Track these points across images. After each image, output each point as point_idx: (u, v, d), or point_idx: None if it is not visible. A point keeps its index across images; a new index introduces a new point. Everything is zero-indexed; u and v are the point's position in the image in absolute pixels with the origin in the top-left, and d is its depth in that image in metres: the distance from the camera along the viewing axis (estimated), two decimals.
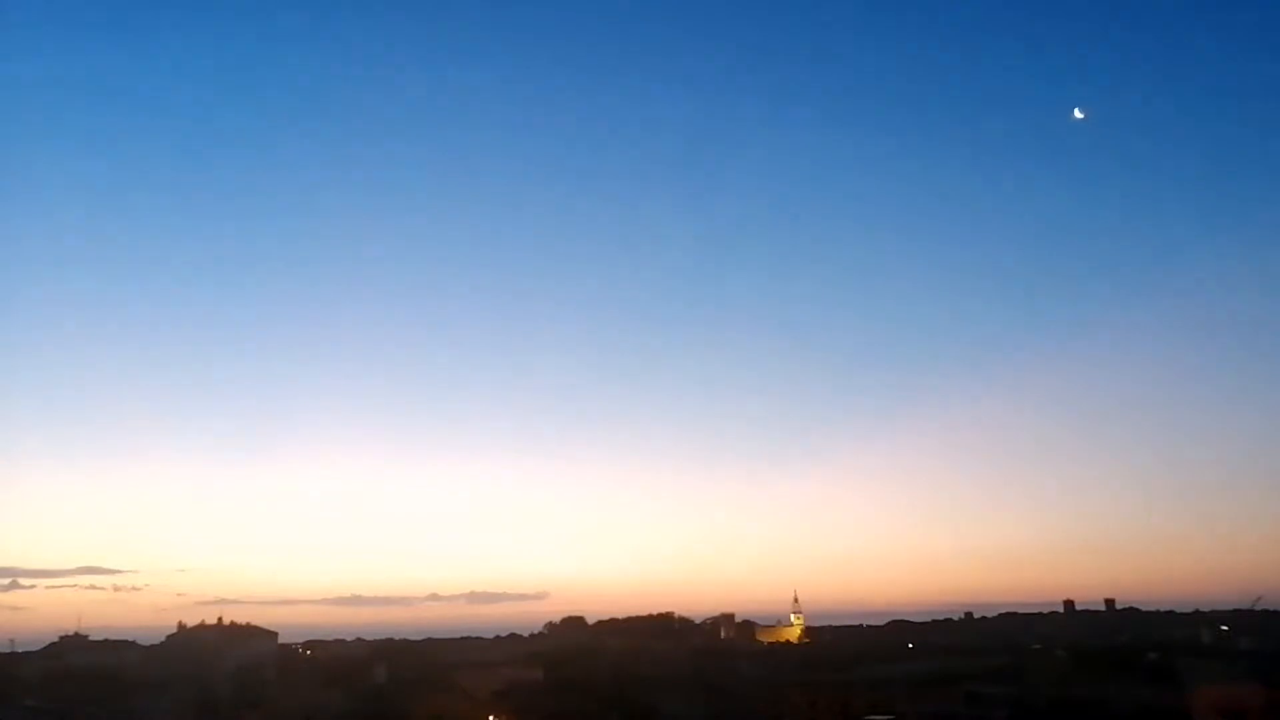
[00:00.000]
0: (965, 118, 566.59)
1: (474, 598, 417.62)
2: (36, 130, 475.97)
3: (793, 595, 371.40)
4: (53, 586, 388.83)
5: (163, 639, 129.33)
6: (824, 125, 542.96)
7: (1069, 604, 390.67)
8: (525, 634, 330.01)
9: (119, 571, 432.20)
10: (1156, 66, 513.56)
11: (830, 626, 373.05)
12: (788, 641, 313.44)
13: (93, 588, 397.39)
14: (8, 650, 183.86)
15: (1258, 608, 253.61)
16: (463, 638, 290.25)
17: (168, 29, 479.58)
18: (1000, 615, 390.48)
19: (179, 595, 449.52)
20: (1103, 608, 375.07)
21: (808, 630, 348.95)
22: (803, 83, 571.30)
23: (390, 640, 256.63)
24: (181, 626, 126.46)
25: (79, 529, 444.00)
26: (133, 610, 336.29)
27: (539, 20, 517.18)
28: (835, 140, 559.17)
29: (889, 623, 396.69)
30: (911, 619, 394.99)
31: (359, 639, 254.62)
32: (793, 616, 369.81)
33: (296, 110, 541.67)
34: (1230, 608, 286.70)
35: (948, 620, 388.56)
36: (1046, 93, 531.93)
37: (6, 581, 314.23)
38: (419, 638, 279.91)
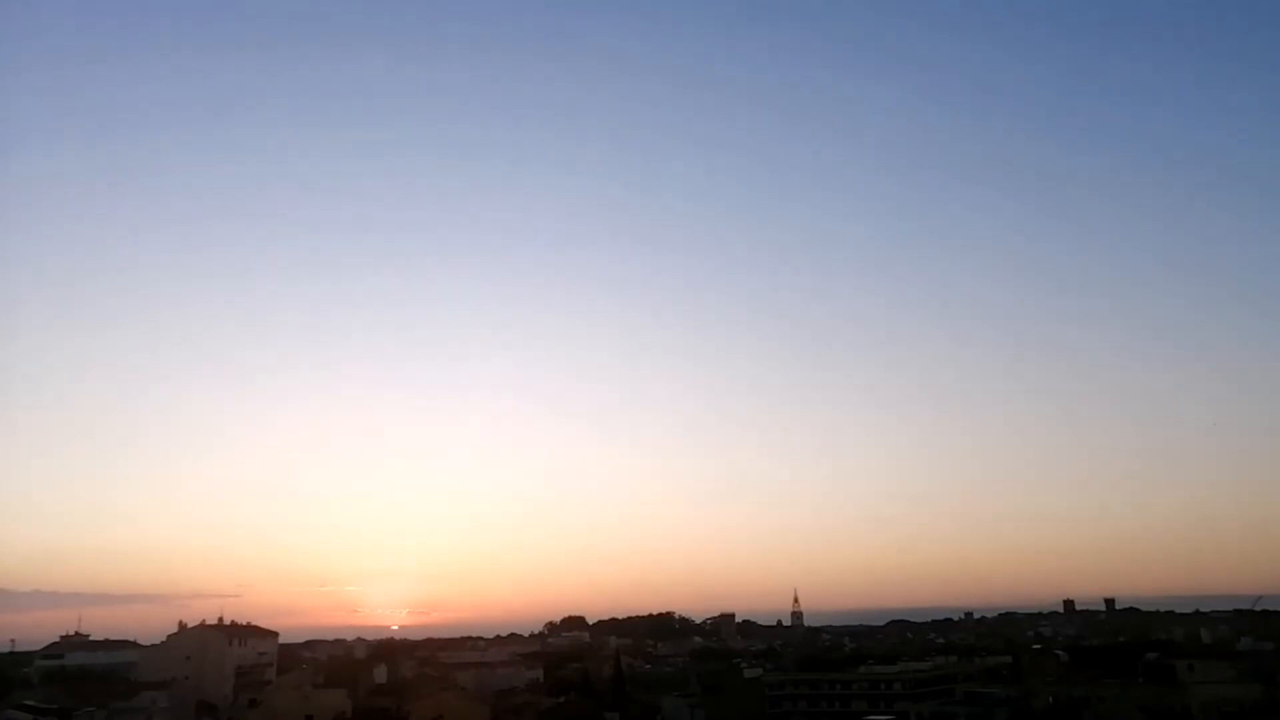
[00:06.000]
0: None
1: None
2: (38, 127, 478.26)
3: (793, 595, 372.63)
4: None
5: (163, 639, 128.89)
6: None
7: (1069, 604, 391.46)
8: (525, 634, 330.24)
9: None
10: None
11: (830, 626, 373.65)
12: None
13: None
14: (8, 650, 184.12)
15: (1258, 608, 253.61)
16: (463, 637, 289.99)
17: None
18: (1000, 615, 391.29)
19: None
20: (1103, 608, 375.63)
21: (807, 630, 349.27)
22: None
23: (390, 640, 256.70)
24: (181, 626, 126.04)
25: None
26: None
27: None
28: None
29: (889, 623, 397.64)
30: (911, 619, 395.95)
31: (359, 639, 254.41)
32: (792, 616, 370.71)
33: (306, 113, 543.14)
34: (1230, 608, 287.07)
35: (948, 620, 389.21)
36: None
37: None
38: (419, 638, 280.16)
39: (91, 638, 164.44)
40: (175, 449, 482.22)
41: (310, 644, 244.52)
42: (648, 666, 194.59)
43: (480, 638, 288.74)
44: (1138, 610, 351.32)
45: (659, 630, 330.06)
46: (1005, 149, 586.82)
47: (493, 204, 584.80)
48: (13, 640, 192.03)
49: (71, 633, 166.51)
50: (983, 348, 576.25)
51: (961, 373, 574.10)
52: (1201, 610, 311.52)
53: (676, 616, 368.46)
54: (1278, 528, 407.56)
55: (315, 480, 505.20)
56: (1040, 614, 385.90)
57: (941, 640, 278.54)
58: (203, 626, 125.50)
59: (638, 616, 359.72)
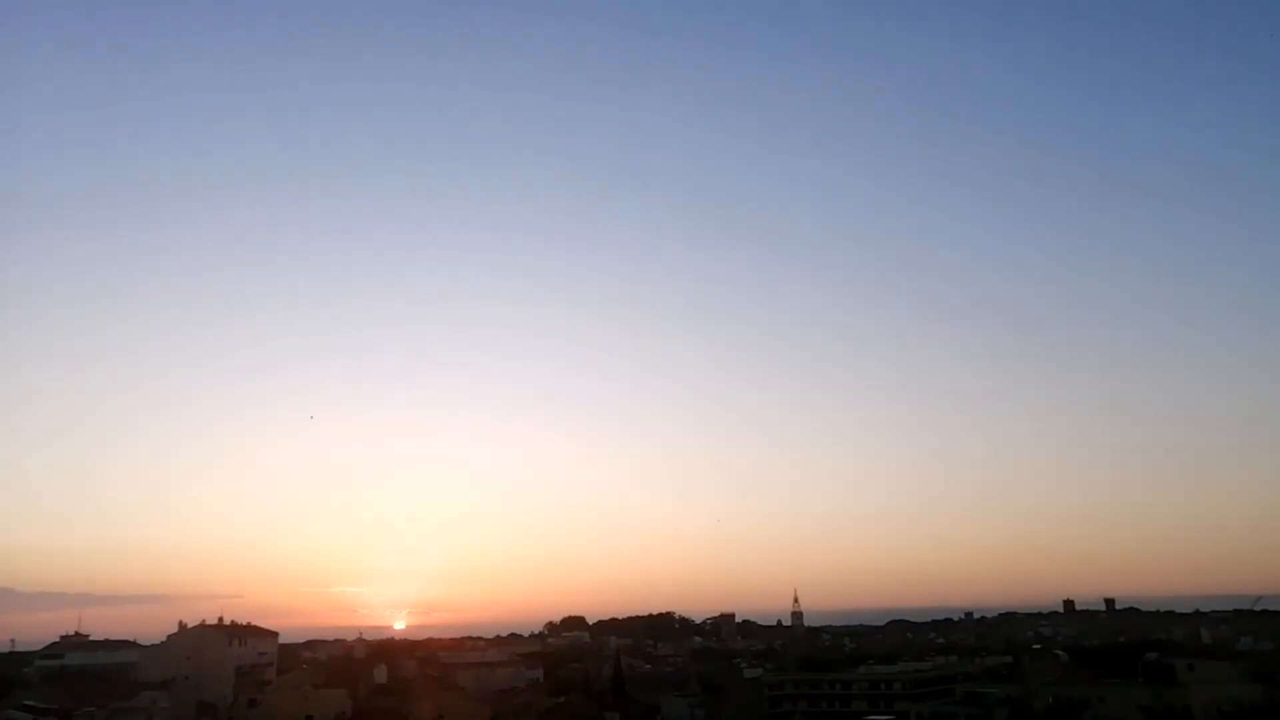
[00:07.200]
0: None
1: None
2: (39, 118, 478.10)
3: (793, 595, 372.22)
4: None
5: (163, 639, 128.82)
6: None
7: (1069, 604, 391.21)
8: (525, 634, 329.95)
9: None
10: None
11: (830, 626, 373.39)
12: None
13: None
14: (8, 650, 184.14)
15: (1258, 608, 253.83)
16: (463, 637, 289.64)
17: None
18: (1000, 615, 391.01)
19: None
20: (1103, 608, 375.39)
21: (807, 630, 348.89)
22: None
23: (390, 640, 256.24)
24: (181, 626, 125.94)
25: None
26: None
27: None
28: None
29: (889, 623, 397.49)
30: (911, 619, 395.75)
31: (359, 639, 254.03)
32: (792, 616, 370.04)
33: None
34: (1230, 608, 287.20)
35: (948, 620, 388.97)
36: None
37: None
38: (419, 638, 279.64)
39: (91, 638, 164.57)
40: (176, 449, 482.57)
41: (310, 644, 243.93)
42: (648, 666, 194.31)
43: (480, 638, 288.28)
44: (1138, 610, 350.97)
45: (659, 630, 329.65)
46: (1028, 148, 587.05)
47: (496, 207, 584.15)
48: (13, 640, 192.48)
49: (71, 633, 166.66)
50: (982, 349, 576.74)
51: (962, 374, 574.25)
52: (1201, 610, 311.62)
53: (676, 616, 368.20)
54: (1278, 528, 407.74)
55: (316, 481, 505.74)
56: (1040, 614, 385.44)
57: (941, 640, 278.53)
58: (203, 626, 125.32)
59: (638, 616, 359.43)
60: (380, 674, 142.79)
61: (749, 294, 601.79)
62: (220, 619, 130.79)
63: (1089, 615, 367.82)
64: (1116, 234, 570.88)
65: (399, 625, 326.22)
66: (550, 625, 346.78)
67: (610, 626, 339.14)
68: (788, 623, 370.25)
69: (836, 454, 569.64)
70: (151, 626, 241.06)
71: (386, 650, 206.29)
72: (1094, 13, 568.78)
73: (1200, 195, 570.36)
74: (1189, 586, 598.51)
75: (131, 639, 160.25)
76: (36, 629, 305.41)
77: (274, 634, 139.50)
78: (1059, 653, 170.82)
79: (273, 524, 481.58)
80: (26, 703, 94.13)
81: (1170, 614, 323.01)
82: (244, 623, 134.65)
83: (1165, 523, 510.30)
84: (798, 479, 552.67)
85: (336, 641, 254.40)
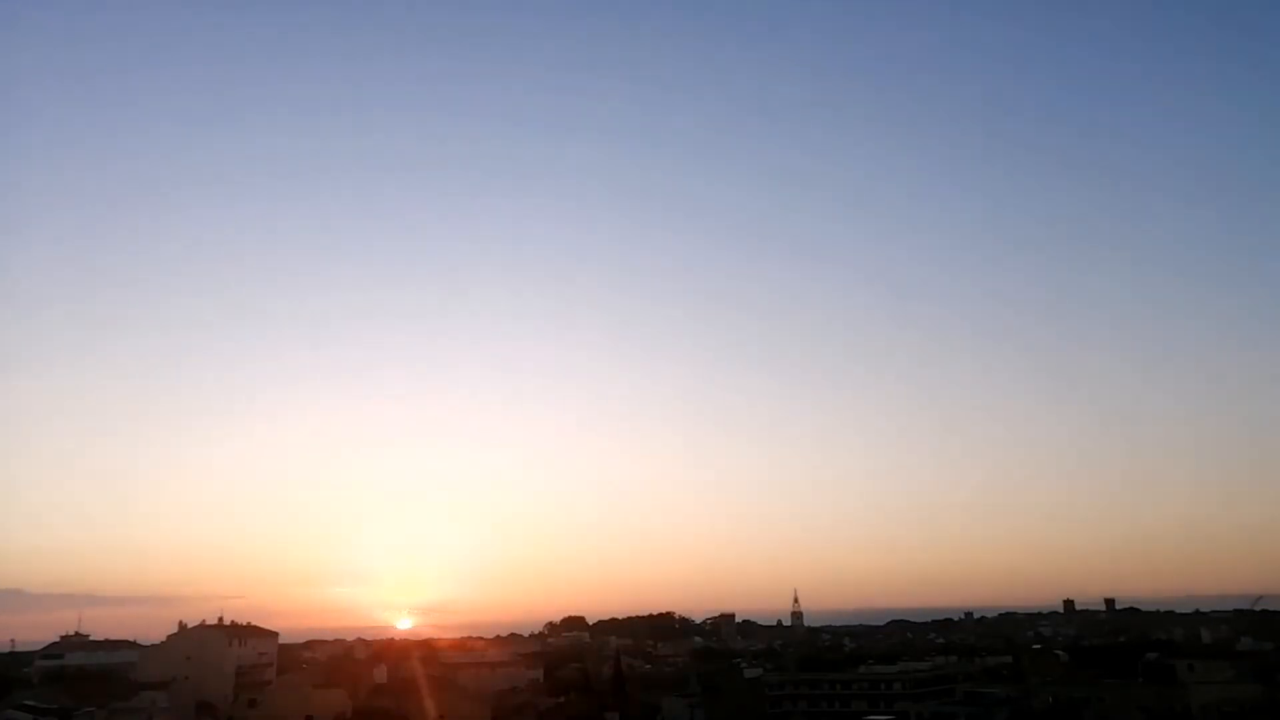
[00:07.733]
0: None
1: None
2: (40, 117, 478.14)
3: (793, 595, 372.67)
4: None
5: (163, 639, 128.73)
6: None
7: (1069, 604, 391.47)
8: (525, 634, 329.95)
9: None
10: None
11: (830, 626, 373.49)
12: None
13: None
14: (8, 650, 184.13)
15: (1258, 608, 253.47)
16: (463, 637, 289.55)
17: None
18: (1000, 615, 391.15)
19: None
20: (1103, 608, 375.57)
21: (807, 630, 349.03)
22: None
23: (390, 640, 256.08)
24: (181, 626, 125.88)
25: None
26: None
27: None
28: None
29: (889, 623, 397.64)
30: (911, 619, 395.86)
31: (359, 639, 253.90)
32: (791, 616, 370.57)
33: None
34: (1230, 608, 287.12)
35: (948, 620, 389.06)
36: None
37: None
38: (419, 638, 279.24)
39: (91, 638, 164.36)
40: (176, 449, 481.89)
41: (310, 644, 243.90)
42: (648, 666, 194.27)
43: (480, 638, 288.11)
44: (1138, 610, 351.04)
45: (659, 630, 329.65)
46: (1024, 148, 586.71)
47: (499, 200, 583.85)
48: (13, 640, 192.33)
49: (71, 633, 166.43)
50: (982, 349, 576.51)
51: (962, 374, 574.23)
52: (1201, 610, 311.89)
53: (676, 616, 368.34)
54: (1276, 528, 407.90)
55: (316, 481, 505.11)
56: (1040, 614, 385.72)
57: (941, 640, 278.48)
58: (203, 626, 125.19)
59: (638, 616, 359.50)
60: (380, 674, 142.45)
61: (749, 295, 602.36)
62: (220, 619, 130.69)
63: (1089, 615, 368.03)
64: (1117, 233, 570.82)
65: (399, 625, 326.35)
66: (550, 625, 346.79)
67: (610, 626, 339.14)
68: (788, 623, 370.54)
69: (837, 454, 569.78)
70: (151, 626, 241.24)
71: (386, 650, 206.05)
72: (1094, 10, 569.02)
73: (1203, 195, 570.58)
74: (1189, 586, 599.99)
75: (131, 639, 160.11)
76: (37, 629, 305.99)
77: (274, 634, 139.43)
78: (1059, 653, 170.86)
79: (273, 524, 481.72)
80: (26, 703, 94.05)
81: (1170, 614, 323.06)
82: (244, 623, 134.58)
83: (1165, 523, 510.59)
84: (798, 479, 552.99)
85: (336, 641, 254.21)
